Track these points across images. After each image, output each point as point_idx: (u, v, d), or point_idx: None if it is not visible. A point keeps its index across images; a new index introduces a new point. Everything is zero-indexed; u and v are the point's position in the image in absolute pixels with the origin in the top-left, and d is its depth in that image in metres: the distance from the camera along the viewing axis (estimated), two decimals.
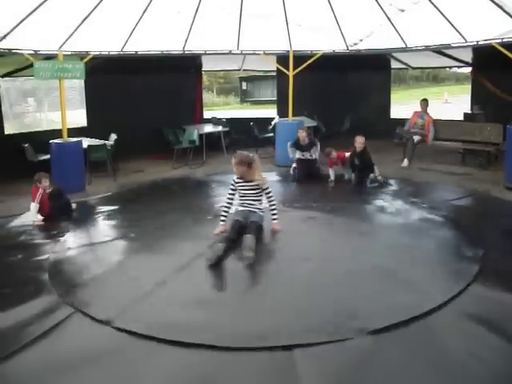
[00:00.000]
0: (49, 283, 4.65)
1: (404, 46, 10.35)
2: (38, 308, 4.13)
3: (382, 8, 9.69)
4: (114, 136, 10.03)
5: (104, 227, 6.62)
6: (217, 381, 3.16)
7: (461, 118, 12.40)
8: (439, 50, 11.05)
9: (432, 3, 8.92)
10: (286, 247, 5.25)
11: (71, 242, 5.89)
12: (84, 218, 6.95)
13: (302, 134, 8.65)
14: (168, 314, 3.95)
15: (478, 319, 3.76)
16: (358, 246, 5.42)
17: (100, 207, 7.51)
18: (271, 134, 11.62)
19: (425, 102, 10.46)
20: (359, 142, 8.18)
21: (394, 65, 13.76)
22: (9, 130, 11.25)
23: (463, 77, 32.38)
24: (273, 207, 5.65)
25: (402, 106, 16.09)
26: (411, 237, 5.74)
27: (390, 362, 3.27)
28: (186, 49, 10.67)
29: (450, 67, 20.81)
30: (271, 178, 8.50)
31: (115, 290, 4.45)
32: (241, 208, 5.62)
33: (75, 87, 15.13)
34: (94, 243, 5.89)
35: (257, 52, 10.94)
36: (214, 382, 3.15)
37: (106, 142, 9.69)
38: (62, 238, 5.97)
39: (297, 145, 8.58)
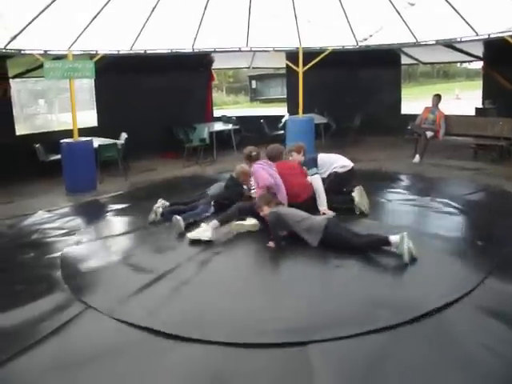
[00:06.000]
0: (61, 280, 4.66)
1: (414, 41, 10.26)
2: (51, 305, 4.14)
3: (391, 2, 9.62)
4: (124, 135, 10.06)
5: (115, 225, 6.62)
6: (230, 377, 3.13)
7: (472, 113, 12.28)
8: (450, 44, 10.95)
9: None
10: (300, 243, 5.21)
11: (83, 239, 5.91)
12: (96, 216, 6.98)
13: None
14: (182, 311, 3.93)
15: (494, 313, 3.70)
16: None
17: (111, 205, 7.52)
18: (281, 132, 11.60)
19: (437, 97, 10.35)
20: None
21: (405, 60, 13.65)
22: (20, 131, 11.30)
23: (474, 73, 32.16)
24: None
25: (413, 103, 15.91)
26: (426, 232, 5.69)
27: (405, 357, 3.22)
28: (195, 47, 10.67)
29: (461, 62, 20.63)
30: None
31: (128, 286, 4.43)
32: None
33: (85, 88, 15.24)
34: (106, 241, 5.89)
35: (266, 49, 10.92)
36: (227, 378, 3.12)
37: (117, 141, 9.70)
38: (74, 236, 6.00)
39: None
